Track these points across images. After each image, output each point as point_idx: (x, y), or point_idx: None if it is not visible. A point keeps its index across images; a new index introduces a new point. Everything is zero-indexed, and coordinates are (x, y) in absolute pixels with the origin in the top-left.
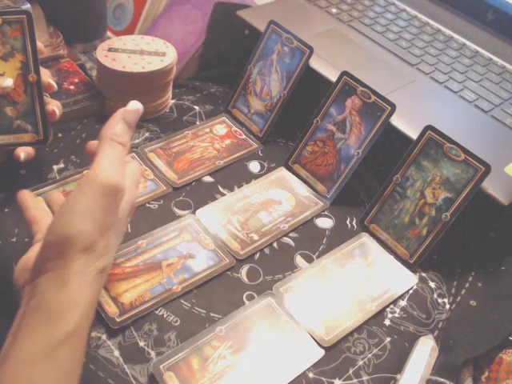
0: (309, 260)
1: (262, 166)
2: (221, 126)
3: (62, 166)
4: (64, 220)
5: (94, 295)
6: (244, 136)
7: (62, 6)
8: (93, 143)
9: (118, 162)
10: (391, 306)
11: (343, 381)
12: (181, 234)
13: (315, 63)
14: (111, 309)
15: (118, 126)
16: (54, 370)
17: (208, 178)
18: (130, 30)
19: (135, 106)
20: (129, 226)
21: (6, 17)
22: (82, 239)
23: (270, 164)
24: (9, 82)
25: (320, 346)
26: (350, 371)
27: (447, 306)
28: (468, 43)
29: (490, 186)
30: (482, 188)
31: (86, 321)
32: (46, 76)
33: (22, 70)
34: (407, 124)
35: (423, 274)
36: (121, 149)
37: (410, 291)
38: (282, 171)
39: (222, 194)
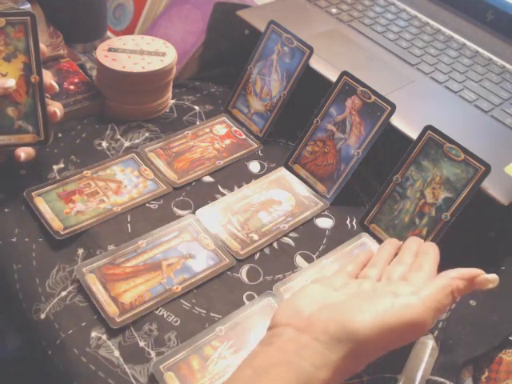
0: (309, 260)
1: (262, 166)
2: (221, 126)
3: (62, 166)
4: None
5: None
6: (244, 136)
7: (61, 6)
8: None
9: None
10: None
11: (344, 381)
12: (181, 234)
13: (315, 63)
14: (111, 309)
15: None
16: None
17: (208, 178)
18: (130, 30)
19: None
20: (129, 225)
21: (9, 18)
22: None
23: (270, 164)
24: (11, 82)
25: None
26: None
27: None
28: (468, 43)
29: (490, 186)
30: (482, 188)
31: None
32: (48, 77)
33: (24, 71)
34: (407, 124)
35: None
36: None
37: None
38: (282, 171)
39: (222, 194)
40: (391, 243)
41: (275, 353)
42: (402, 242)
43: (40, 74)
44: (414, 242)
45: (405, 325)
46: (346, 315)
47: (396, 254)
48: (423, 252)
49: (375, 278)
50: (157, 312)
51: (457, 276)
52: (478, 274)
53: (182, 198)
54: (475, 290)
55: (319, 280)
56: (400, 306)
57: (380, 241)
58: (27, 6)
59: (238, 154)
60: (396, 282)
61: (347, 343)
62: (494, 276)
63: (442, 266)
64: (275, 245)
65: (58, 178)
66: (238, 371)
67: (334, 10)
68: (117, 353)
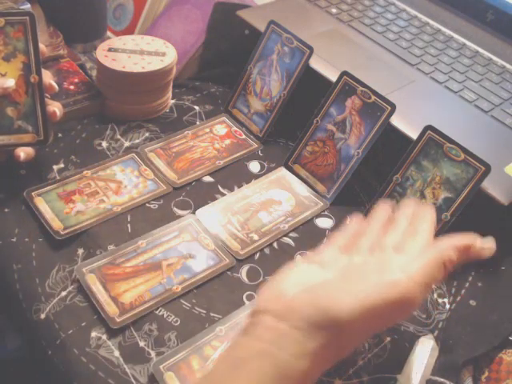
0: None
1: (262, 166)
2: (221, 126)
3: (62, 166)
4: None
5: None
6: (244, 136)
7: (61, 6)
8: None
9: None
10: None
11: (343, 381)
12: (181, 234)
13: (315, 63)
14: (111, 309)
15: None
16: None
17: (208, 178)
18: (130, 30)
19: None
20: (129, 225)
21: (8, 18)
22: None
23: (270, 164)
24: (10, 82)
25: None
26: (350, 371)
27: (447, 306)
28: (468, 43)
29: (490, 186)
30: (482, 188)
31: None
32: (47, 77)
33: (23, 71)
34: (407, 124)
35: None
36: None
37: None
38: (282, 171)
39: (222, 194)
40: (384, 208)
41: (253, 343)
42: (394, 205)
43: (39, 73)
44: (408, 206)
45: (390, 304)
46: (326, 299)
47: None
48: (419, 216)
49: (367, 250)
50: (157, 312)
51: (449, 246)
52: (472, 243)
53: (181, 197)
54: (471, 259)
55: (308, 257)
56: (385, 284)
57: None
58: (27, 6)
59: (237, 154)
60: (389, 254)
61: (328, 330)
62: (489, 242)
63: None
64: (275, 245)
65: (57, 178)
66: (217, 363)
67: (333, 10)
68: (117, 353)
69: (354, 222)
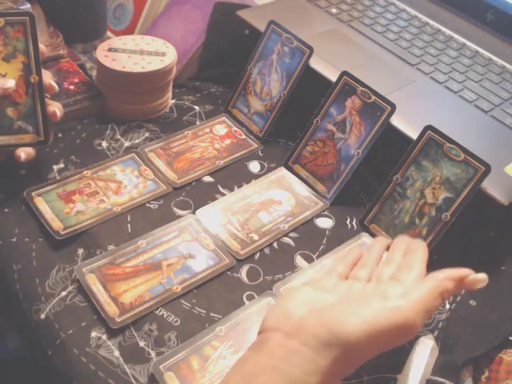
0: (309, 260)
1: (262, 166)
2: (221, 126)
3: (62, 166)
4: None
5: None
6: (244, 136)
7: (61, 6)
8: None
9: None
10: None
11: (343, 381)
12: (181, 234)
13: (315, 63)
14: (111, 309)
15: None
16: None
17: (208, 178)
18: (130, 30)
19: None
20: (129, 225)
21: (8, 18)
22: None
23: (270, 164)
24: (11, 82)
25: None
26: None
27: (447, 306)
28: (468, 43)
29: (490, 186)
30: (482, 188)
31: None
32: (47, 77)
33: (23, 71)
34: (407, 124)
35: None
36: None
37: None
38: (282, 171)
39: (222, 194)
40: (380, 242)
41: (264, 359)
42: (390, 240)
43: (39, 74)
44: (402, 241)
45: (394, 328)
46: (335, 319)
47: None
48: (412, 250)
49: (365, 279)
50: (157, 312)
51: (445, 277)
52: (466, 275)
53: (181, 197)
54: (465, 290)
55: (309, 282)
56: (389, 309)
57: None
58: (27, 6)
59: (238, 154)
60: (386, 282)
61: (337, 348)
62: (482, 276)
63: (442, 266)
64: (275, 245)
65: (58, 177)
66: (228, 377)
67: (333, 10)
68: (117, 353)
69: (352, 253)
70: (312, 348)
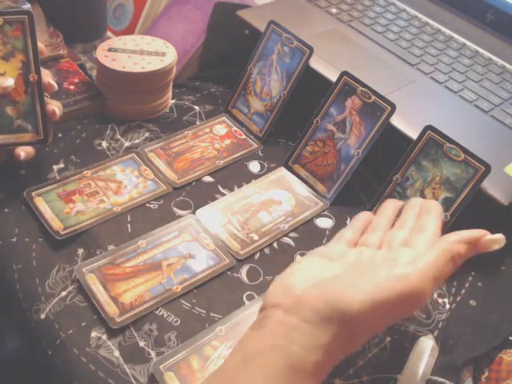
0: None
1: (262, 166)
2: (221, 126)
3: (62, 166)
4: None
5: None
6: (244, 136)
7: (61, 6)
8: None
9: None
10: None
11: (343, 381)
12: (181, 234)
13: (315, 63)
14: (111, 309)
15: None
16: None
17: (208, 178)
18: (130, 30)
19: None
20: (129, 225)
21: (7, 17)
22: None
23: (270, 164)
24: (10, 81)
25: None
26: (350, 371)
27: (447, 306)
28: (468, 43)
29: (490, 186)
30: (482, 188)
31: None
32: (47, 76)
33: (22, 70)
34: (407, 124)
35: None
36: None
37: None
38: (282, 171)
39: (222, 194)
40: (391, 205)
41: (264, 337)
42: (402, 202)
43: (38, 72)
44: (415, 202)
45: (399, 297)
46: (335, 293)
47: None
48: (425, 211)
49: (375, 244)
50: (157, 312)
51: (457, 240)
52: (481, 236)
53: (181, 197)
54: (480, 251)
55: (316, 251)
56: (394, 277)
57: None
58: (27, 6)
59: (238, 154)
60: (397, 248)
61: (338, 323)
62: (499, 236)
63: None
64: (275, 245)
65: (58, 178)
66: (229, 358)
67: (333, 10)
68: (117, 353)
69: (361, 216)
70: (312, 323)
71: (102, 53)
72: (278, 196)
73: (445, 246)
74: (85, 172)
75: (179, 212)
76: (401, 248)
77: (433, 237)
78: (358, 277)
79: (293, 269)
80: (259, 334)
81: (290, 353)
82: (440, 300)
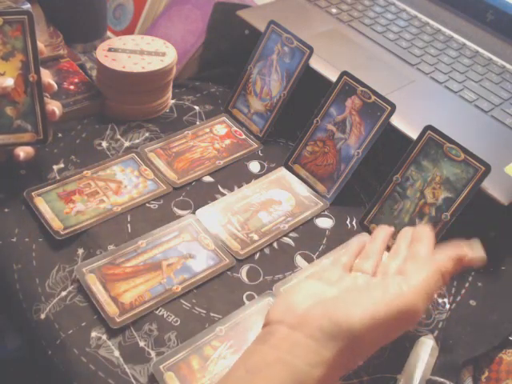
0: (309, 260)
1: (262, 166)
2: (221, 126)
3: (62, 166)
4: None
5: None
6: (244, 136)
7: (61, 6)
8: None
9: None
10: None
11: (343, 381)
12: (181, 234)
13: (315, 63)
14: (111, 309)
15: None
16: None
17: (208, 178)
18: (130, 30)
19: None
20: (129, 225)
21: (6, 17)
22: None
23: (270, 164)
24: (9, 81)
25: None
26: (350, 371)
27: (447, 306)
28: (468, 43)
29: (490, 186)
30: (482, 188)
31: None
32: (46, 76)
33: (22, 70)
34: (407, 124)
35: None
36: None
37: None
38: (282, 171)
39: (222, 194)
40: (384, 231)
41: (269, 351)
42: (393, 229)
43: (38, 72)
44: (407, 232)
45: (397, 314)
46: (338, 311)
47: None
48: (417, 239)
49: (370, 271)
50: (157, 312)
51: (445, 258)
52: (464, 254)
53: (181, 197)
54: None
55: (314, 275)
56: (390, 295)
57: None
58: (27, 6)
59: (238, 154)
60: (392, 276)
61: (341, 339)
62: (479, 256)
63: None
64: (275, 245)
65: (58, 178)
66: (232, 370)
67: (333, 10)
68: (117, 353)
69: (356, 240)
70: (316, 340)
71: (101, 53)
72: (278, 196)
73: (435, 265)
74: (85, 172)
75: (179, 212)
76: (395, 276)
77: (424, 261)
78: (356, 297)
79: (294, 289)
80: (263, 348)
81: (295, 367)
82: (440, 300)
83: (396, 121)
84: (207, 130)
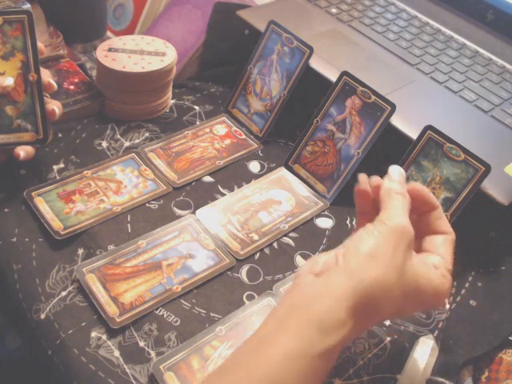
0: None
1: (262, 166)
2: (221, 126)
3: (62, 166)
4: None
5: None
6: (244, 136)
7: (61, 6)
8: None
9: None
10: None
11: (343, 381)
12: (181, 234)
13: (315, 63)
14: (111, 309)
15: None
16: (306, 376)
17: (208, 178)
18: (129, 30)
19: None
20: (129, 225)
21: (6, 16)
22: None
23: (270, 164)
24: (9, 81)
25: None
26: (350, 371)
27: (447, 306)
28: (468, 43)
29: (490, 185)
30: (481, 188)
31: (342, 346)
32: (46, 76)
33: (22, 70)
34: (407, 124)
35: None
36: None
37: None
38: (282, 171)
39: (222, 194)
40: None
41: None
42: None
43: (38, 72)
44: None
45: None
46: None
47: None
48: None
49: None
50: (157, 312)
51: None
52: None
53: (181, 197)
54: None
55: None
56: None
57: None
58: (27, 6)
59: (237, 154)
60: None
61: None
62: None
63: None
64: (275, 245)
65: (57, 178)
66: (246, 341)
67: (333, 10)
68: (117, 353)
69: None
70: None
71: (101, 53)
72: (278, 196)
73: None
74: (85, 172)
75: (179, 212)
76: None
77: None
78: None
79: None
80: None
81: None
82: None
83: (396, 121)
84: (207, 129)
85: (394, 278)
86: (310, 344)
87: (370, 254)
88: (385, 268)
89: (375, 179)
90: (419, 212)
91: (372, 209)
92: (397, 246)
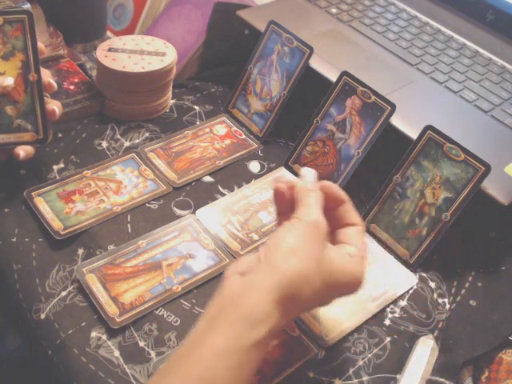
0: None
1: (262, 166)
2: (221, 126)
3: (62, 166)
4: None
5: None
6: (244, 136)
7: (61, 6)
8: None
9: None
10: (391, 306)
11: (343, 381)
12: (181, 234)
13: (315, 63)
14: (111, 309)
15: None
16: (236, 370)
17: (208, 178)
18: (129, 30)
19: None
20: (129, 225)
21: (7, 16)
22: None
23: (270, 164)
24: (9, 81)
25: (320, 345)
26: (350, 371)
27: (447, 306)
28: (468, 43)
29: (490, 185)
30: (481, 188)
31: (272, 337)
32: (47, 76)
33: (22, 70)
34: (407, 124)
35: (423, 274)
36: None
37: (410, 291)
38: (282, 171)
39: (222, 194)
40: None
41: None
42: None
43: (38, 72)
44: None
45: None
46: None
47: None
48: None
49: None
50: (157, 312)
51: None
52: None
53: (181, 197)
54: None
55: None
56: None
57: (380, 241)
58: (27, 6)
59: (237, 154)
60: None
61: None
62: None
63: (442, 266)
64: None
65: (57, 178)
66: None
67: (333, 10)
68: (117, 353)
69: None
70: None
71: (101, 53)
72: None
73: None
74: (85, 172)
75: (179, 212)
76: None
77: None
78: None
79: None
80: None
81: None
82: (440, 300)
83: (396, 121)
84: (207, 129)
85: (314, 269)
86: (239, 338)
87: (291, 249)
88: (305, 261)
89: (289, 181)
90: (331, 207)
91: (289, 209)
92: (313, 239)
